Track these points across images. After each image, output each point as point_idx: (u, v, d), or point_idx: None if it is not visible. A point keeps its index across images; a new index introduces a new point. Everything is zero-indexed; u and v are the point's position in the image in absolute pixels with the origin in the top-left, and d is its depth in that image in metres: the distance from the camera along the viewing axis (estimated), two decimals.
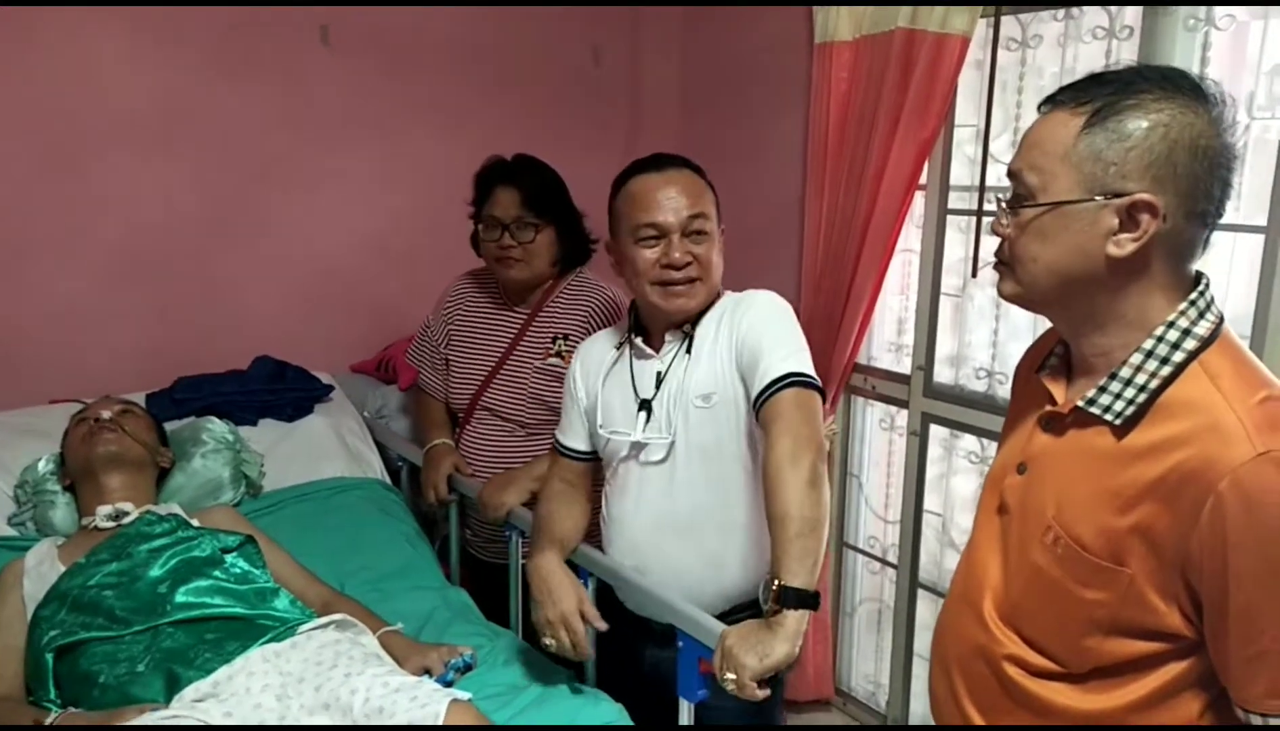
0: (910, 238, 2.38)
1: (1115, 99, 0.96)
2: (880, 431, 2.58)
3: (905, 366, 2.45)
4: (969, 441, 2.32)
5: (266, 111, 2.49)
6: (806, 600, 1.30)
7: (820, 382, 1.47)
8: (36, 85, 2.20)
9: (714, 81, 2.94)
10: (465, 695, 1.41)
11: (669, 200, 1.53)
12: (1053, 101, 1.02)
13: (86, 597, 1.55)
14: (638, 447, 1.60)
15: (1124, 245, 0.96)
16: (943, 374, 2.35)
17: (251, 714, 1.35)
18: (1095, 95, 0.97)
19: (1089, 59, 1.99)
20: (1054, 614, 1.03)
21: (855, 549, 2.68)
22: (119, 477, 1.79)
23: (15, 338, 2.25)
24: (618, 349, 1.68)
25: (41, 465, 1.92)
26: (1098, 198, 0.95)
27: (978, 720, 1.10)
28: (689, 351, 1.56)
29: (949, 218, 2.27)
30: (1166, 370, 0.96)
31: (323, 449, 2.26)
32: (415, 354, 2.27)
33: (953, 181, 2.25)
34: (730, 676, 1.29)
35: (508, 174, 2.01)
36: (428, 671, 1.60)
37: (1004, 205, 1.03)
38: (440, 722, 1.31)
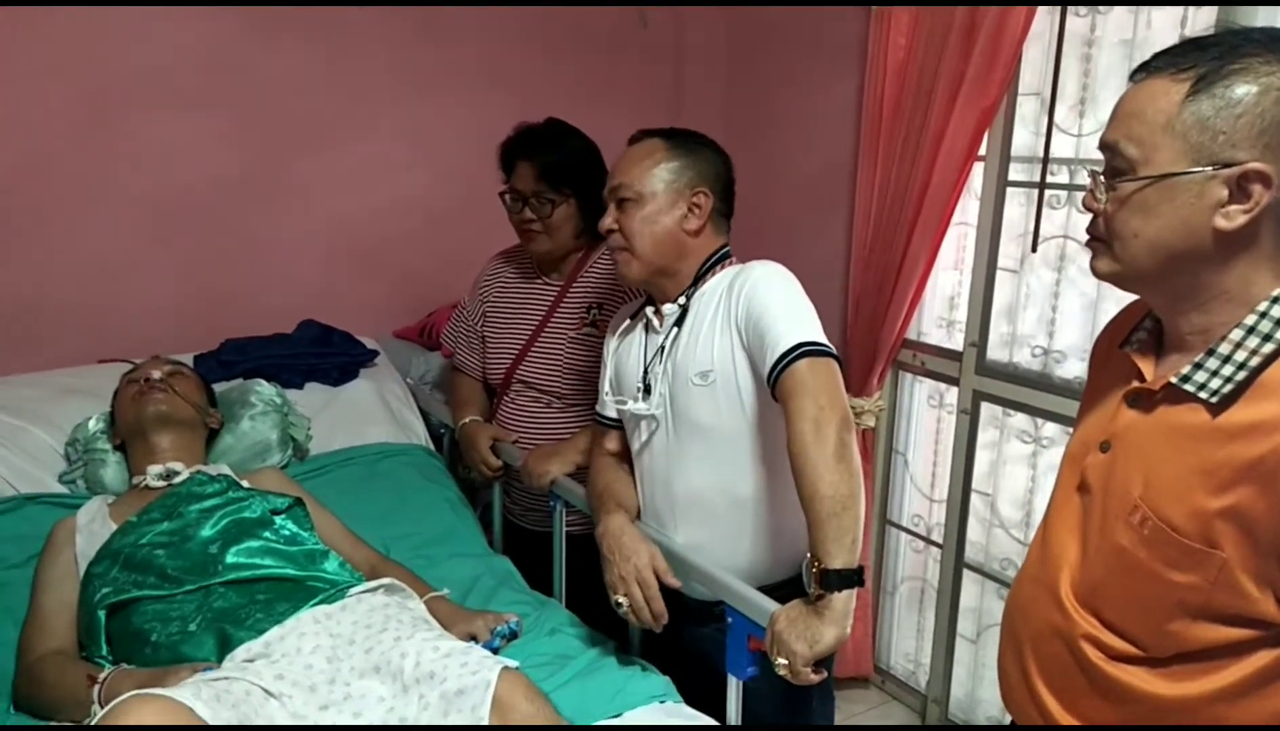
0: (967, 210, 2.32)
1: (1220, 64, 0.90)
2: (928, 408, 2.54)
3: (957, 343, 2.39)
4: (1021, 420, 2.27)
5: (310, 70, 2.47)
6: (849, 579, 1.27)
7: (834, 350, 1.42)
8: (75, 38, 2.18)
9: (761, 46, 2.87)
10: (514, 663, 1.40)
11: (612, 172, 1.61)
12: (1148, 69, 0.96)
13: (138, 556, 1.56)
14: (634, 420, 1.61)
15: (1234, 217, 0.91)
16: (996, 351, 2.30)
17: (303, 675, 1.35)
18: (1197, 60, 0.91)
19: (1162, 25, 1.91)
20: (1137, 596, 0.99)
21: (898, 527, 2.64)
22: (169, 437, 1.79)
23: (60, 296, 2.26)
24: (633, 318, 1.68)
25: (92, 424, 1.93)
26: (1205, 168, 0.90)
27: (1050, 701, 1.07)
28: (679, 324, 1.55)
29: (1009, 190, 2.21)
30: (1269, 347, 0.91)
31: (368, 414, 2.26)
32: (450, 335, 2.26)
33: (1014, 152, 2.19)
34: (782, 661, 1.27)
35: (525, 147, 1.98)
36: (474, 638, 1.59)
37: (1099, 178, 0.98)
38: (492, 688, 1.30)
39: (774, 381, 1.39)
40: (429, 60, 2.62)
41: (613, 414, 1.71)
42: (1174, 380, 0.97)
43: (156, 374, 1.86)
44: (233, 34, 2.35)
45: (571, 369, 2.03)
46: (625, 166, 1.57)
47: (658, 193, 1.54)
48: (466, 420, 2.12)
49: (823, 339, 1.40)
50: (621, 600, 1.47)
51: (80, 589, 1.56)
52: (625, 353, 1.66)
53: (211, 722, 1.17)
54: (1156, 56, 0.96)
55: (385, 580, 1.62)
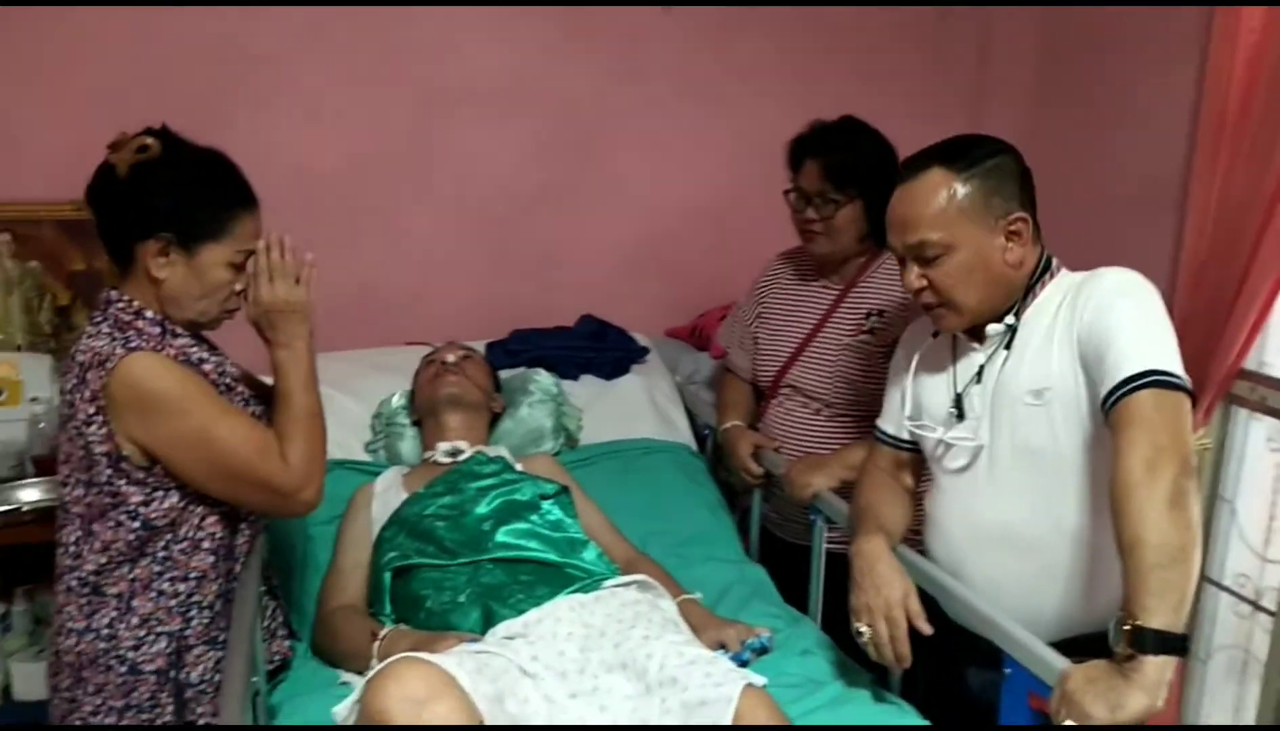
0: None
1: None
2: (1267, 451, 2.17)
3: None
4: None
5: (604, 76, 2.57)
6: (1170, 644, 1.08)
7: (1189, 383, 1.22)
8: (406, 51, 2.43)
9: (1079, 39, 2.60)
10: (760, 679, 1.35)
11: (896, 222, 1.40)
12: None
13: (422, 526, 1.68)
14: (944, 447, 1.46)
15: None
16: None
17: (556, 660, 1.39)
18: None
19: None
20: None
21: (1217, 585, 2.28)
22: (458, 417, 1.92)
23: (379, 283, 2.52)
24: (935, 335, 1.53)
25: (395, 399, 2.13)
26: None
27: None
28: (1009, 346, 1.38)
29: None
30: None
31: (636, 409, 2.30)
32: (725, 333, 2.24)
33: None
34: (1071, 725, 1.11)
35: (814, 144, 1.91)
36: (723, 646, 1.56)
37: None
38: (734, 705, 1.26)
39: (1109, 408, 1.22)
40: (716, 61, 2.63)
41: (892, 430, 1.60)
42: None
43: (451, 358, 2.01)
44: (537, 47, 2.51)
45: (843, 377, 1.94)
46: (917, 214, 1.35)
47: (969, 233, 1.34)
48: (729, 424, 2.09)
49: (1177, 369, 1.22)
50: (864, 630, 1.38)
51: (372, 550, 1.71)
52: (928, 374, 1.52)
53: (470, 691, 1.22)
54: None
55: (639, 576, 1.63)
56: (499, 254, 2.61)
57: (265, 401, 1.54)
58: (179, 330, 1.44)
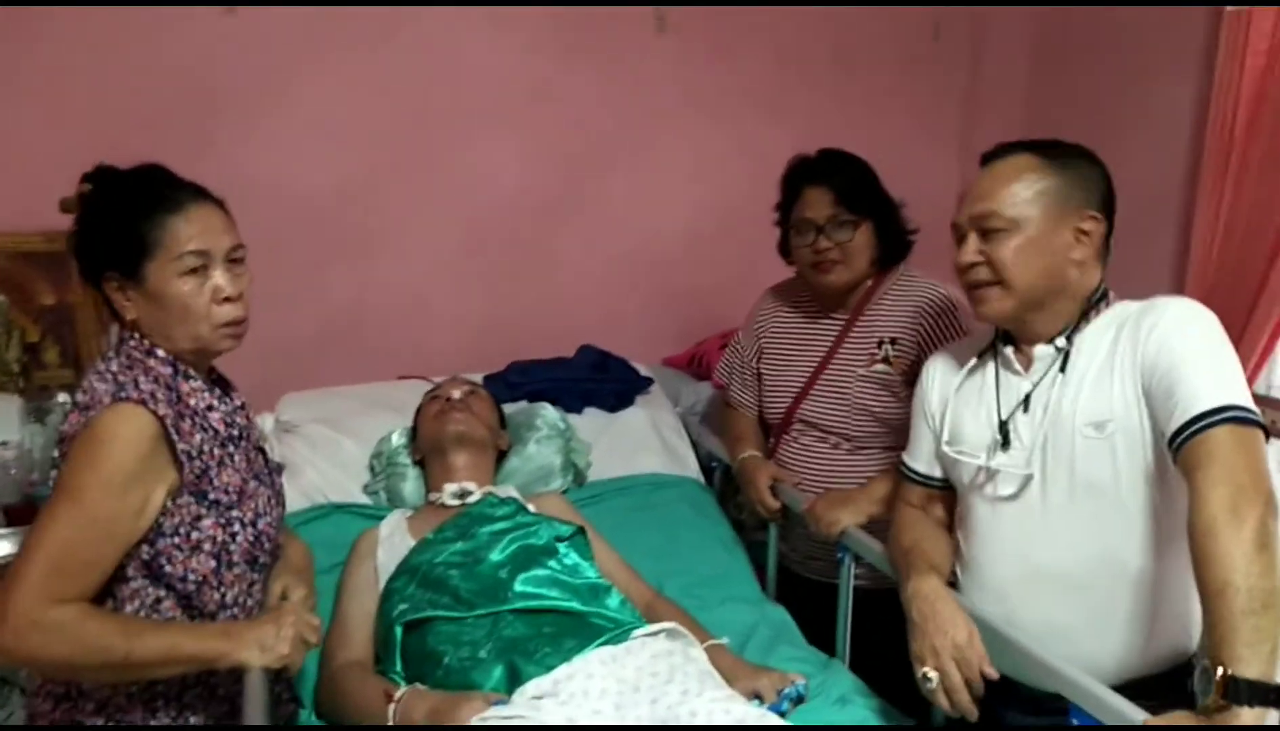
0: None
1: None
2: (1279, 475, 2.15)
3: None
4: None
5: (599, 95, 2.53)
6: (1266, 695, 1.03)
7: (1262, 417, 1.19)
8: (398, 65, 2.37)
9: (1074, 49, 2.59)
10: None
11: (970, 194, 1.38)
12: None
13: (434, 574, 1.58)
14: (986, 475, 1.40)
15: None
16: None
17: (591, 719, 1.30)
18: None
19: None
20: None
21: None
22: (464, 457, 1.83)
23: (367, 315, 2.44)
24: (979, 357, 1.48)
25: (395, 437, 2.03)
26: None
27: None
28: (1063, 370, 1.34)
29: None
30: None
31: (642, 442, 2.23)
32: (724, 370, 2.16)
33: None
34: None
35: (817, 172, 1.86)
36: (758, 696, 1.48)
37: None
38: None
39: (1180, 446, 1.19)
40: (713, 83, 2.62)
41: (923, 467, 1.55)
42: None
43: (457, 394, 1.92)
44: (530, 60, 2.45)
45: (861, 409, 1.88)
46: (989, 189, 1.35)
47: (1034, 218, 1.32)
48: (745, 455, 2.02)
49: (1250, 403, 1.19)
50: (931, 675, 1.31)
51: (380, 602, 1.61)
52: (968, 395, 1.47)
53: None
54: None
55: (668, 624, 1.55)
56: (491, 281, 2.54)
57: (273, 473, 1.45)
58: (192, 372, 1.34)
